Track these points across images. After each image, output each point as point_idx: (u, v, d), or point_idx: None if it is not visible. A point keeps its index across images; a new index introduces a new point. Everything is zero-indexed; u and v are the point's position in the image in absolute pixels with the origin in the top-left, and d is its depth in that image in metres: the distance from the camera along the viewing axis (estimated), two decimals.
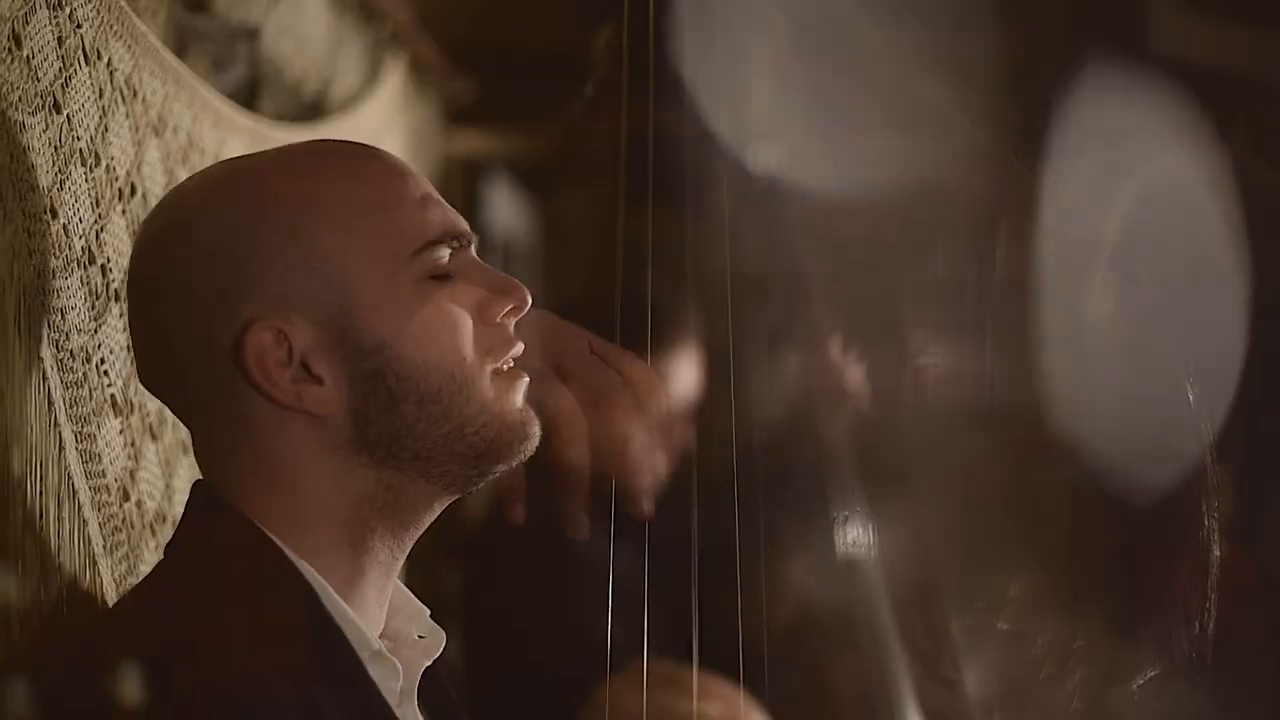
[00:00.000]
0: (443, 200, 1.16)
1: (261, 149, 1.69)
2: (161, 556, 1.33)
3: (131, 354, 1.30)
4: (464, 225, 1.15)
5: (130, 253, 1.16)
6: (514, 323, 1.16)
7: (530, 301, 1.16)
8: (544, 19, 2.98)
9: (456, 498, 1.15)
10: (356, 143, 1.19)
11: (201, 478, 1.14)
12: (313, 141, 1.19)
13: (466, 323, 1.12)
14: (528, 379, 1.17)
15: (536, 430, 1.16)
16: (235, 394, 1.09)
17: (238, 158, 1.18)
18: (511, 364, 1.16)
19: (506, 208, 3.35)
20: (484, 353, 1.13)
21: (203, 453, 1.14)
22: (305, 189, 1.10)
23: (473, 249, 1.16)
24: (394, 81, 2.57)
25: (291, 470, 1.09)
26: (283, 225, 1.08)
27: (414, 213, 1.12)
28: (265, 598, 1.07)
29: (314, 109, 2.19)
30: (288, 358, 1.08)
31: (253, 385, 1.08)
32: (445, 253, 1.12)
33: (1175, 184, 1.73)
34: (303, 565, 1.08)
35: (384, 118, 2.50)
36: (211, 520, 1.11)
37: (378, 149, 1.17)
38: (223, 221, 1.09)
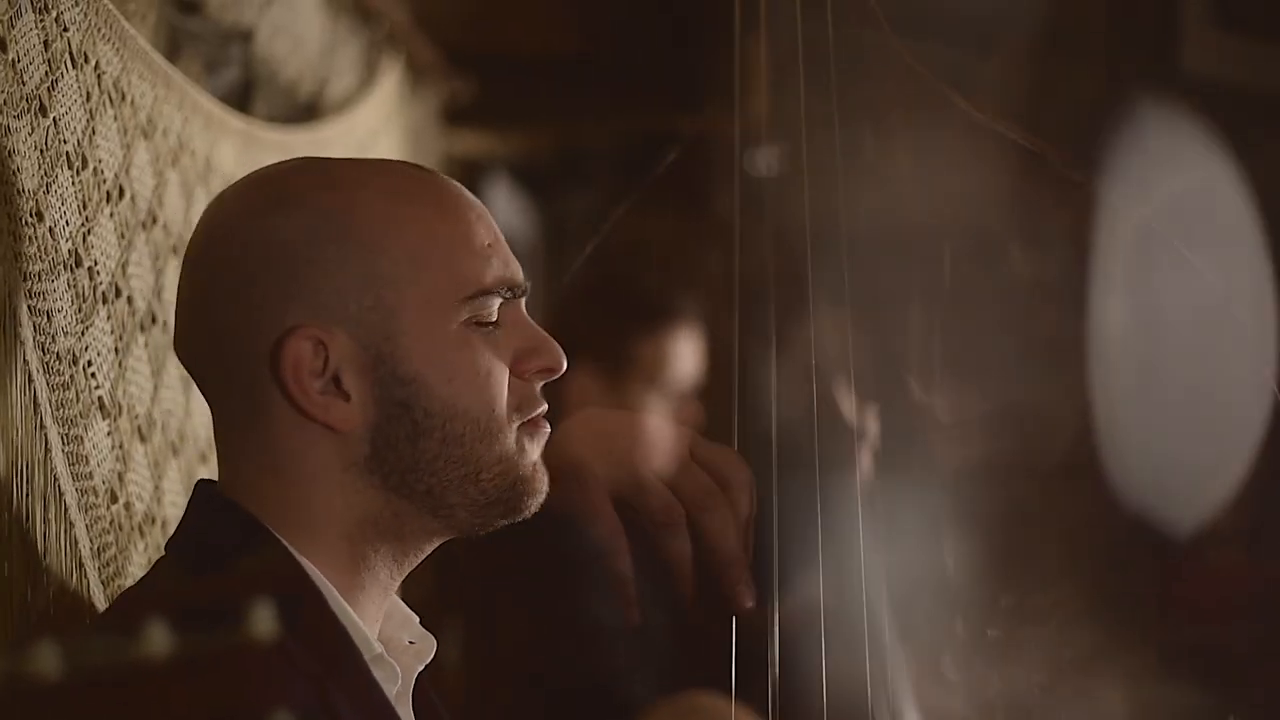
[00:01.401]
0: (506, 248, 1.16)
1: (254, 151, 1.71)
2: (155, 557, 1.34)
3: (118, 358, 1.31)
4: (520, 277, 1.16)
5: (198, 223, 1.15)
6: (541, 384, 1.17)
7: (565, 366, 1.17)
8: (541, 20, 2.99)
9: (454, 537, 1.16)
10: (445, 177, 1.19)
11: (204, 477, 1.15)
12: (401, 163, 1.20)
13: (503, 374, 1.13)
14: (549, 431, 1.17)
15: (544, 486, 1.17)
16: (264, 393, 1.09)
17: (325, 159, 1.17)
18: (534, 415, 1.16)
19: (505, 208, 3.35)
20: (514, 408, 1.14)
21: (221, 443, 1.14)
22: (384, 208, 1.10)
23: (523, 302, 1.17)
24: (391, 82, 2.57)
25: (304, 478, 1.10)
26: (351, 238, 1.09)
27: (478, 258, 1.12)
28: (274, 596, 1.07)
29: (309, 110, 2.19)
30: (322, 368, 1.08)
31: (282, 389, 1.08)
32: (496, 303, 1.13)
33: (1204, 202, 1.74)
34: (308, 565, 1.09)
35: (381, 119, 2.50)
36: (217, 518, 1.11)
37: (459, 185, 1.17)
38: (301, 222, 1.09)
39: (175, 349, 1.16)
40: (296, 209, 1.09)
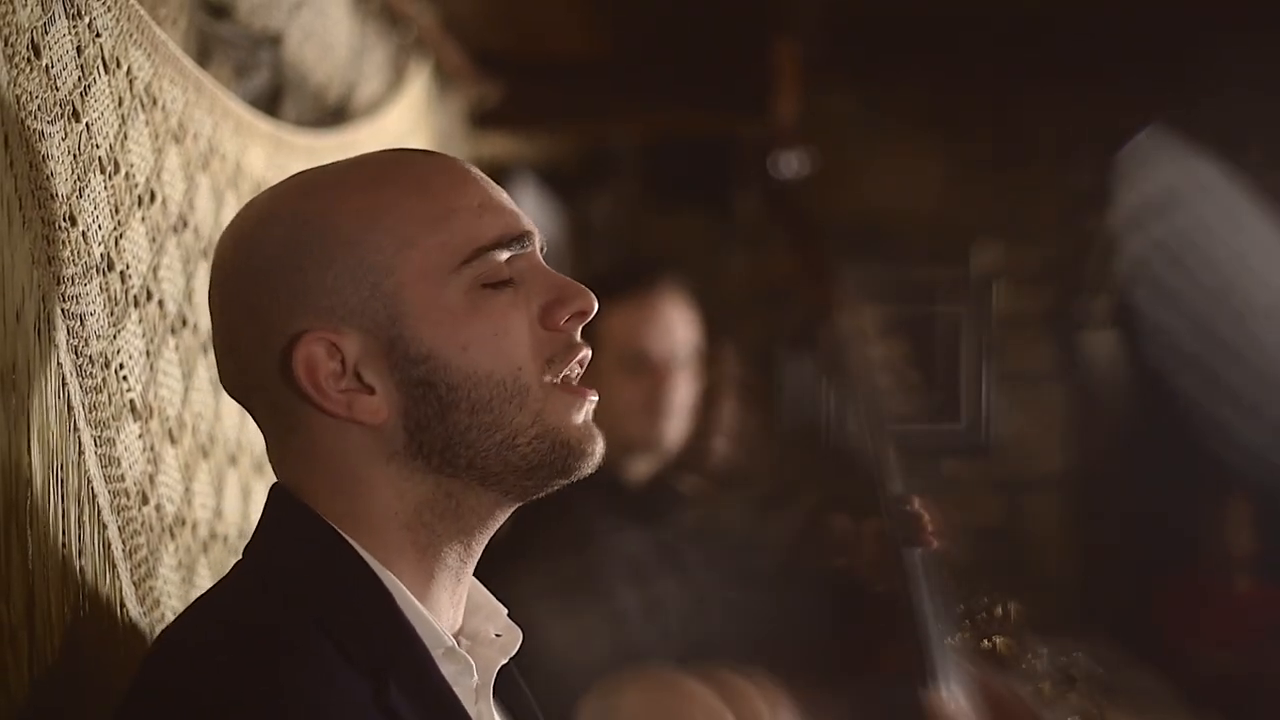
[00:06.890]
0: (504, 203, 1.15)
1: (283, 155, 1.72)
2: (186, 559, 1.35)
3: (149, 361, 1.32)
4: (523, 226, 1.15)
5: (212, 261, 1.17)
6: (580, 327, 1.15)
7: (596, 306, 1.15)
8: (567, 23, 2.99)
9: (519, 505, 1.15)
10: (423, 151, 1.18)
11: (278, 481, 1.16)
12: (380, 152, 1.19)
13: (521, 331, 1.12)
14: (595, 397, 1.16)
15: (597, 448, 1.15)
16: (293, 404, 1.10)
17: (310, 170, 1.18)
18: (578, 371, 1.15)
19: (532, 210, 3.36)
20: (543, 362, 1.13)
21: (274, 458, 1.15)
22: (362, 202, 1.11)
23: (539, 251, 1.16)
24: (419, 86, 2.58)
25: (352, 476, 1.11)
26: (337, 237, 1.09)
27: (468, 220, 1.12)
28: (340, 596, 1.08)
29: (338, 114, 2.20)
30: (341, 368, 1.09)
31: (302, 396, 1.09)
32: (502, 257, 1.12)
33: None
34: (375, 564, 1.10)
35: (409, 122, 2.51)
36: (288, 522, 1.12)
37: (443, 156, 1.17)
38: (283, 234, 1.10)
39: (222, 384, 1.17)
40: (276, 223, 1.11)
